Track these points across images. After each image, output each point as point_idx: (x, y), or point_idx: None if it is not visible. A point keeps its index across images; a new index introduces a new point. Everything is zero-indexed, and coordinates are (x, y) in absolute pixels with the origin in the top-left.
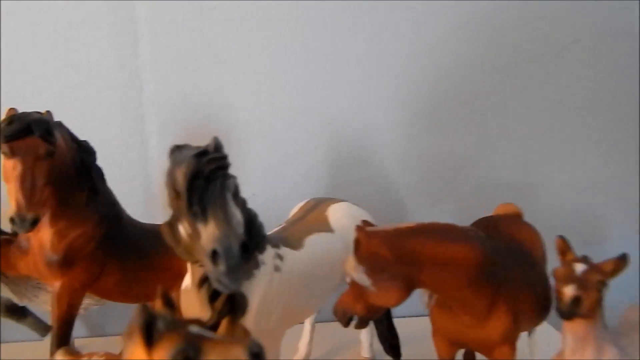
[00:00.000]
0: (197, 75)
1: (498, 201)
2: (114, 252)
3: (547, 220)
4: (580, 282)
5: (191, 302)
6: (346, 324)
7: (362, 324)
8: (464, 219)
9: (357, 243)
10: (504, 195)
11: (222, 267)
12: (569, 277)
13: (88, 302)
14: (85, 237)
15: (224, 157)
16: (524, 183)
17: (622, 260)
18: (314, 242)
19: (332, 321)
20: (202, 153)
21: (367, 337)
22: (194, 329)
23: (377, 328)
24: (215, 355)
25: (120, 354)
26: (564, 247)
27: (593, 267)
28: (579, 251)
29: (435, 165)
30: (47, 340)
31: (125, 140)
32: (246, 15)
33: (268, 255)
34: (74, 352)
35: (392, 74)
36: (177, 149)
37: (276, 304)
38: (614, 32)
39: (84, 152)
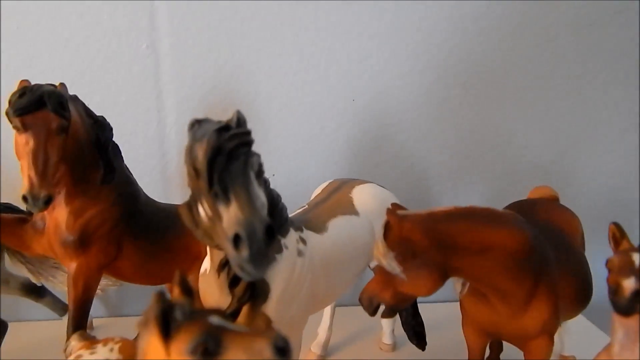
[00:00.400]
0: (217, 50)
1: (528, 183)
2: (131, 232)
3: (579, 202)
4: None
5: (210, 287)
6: (372, 313)
7: (389, 314)
8: (493, 201)
9: (388, 227)
10: (534, 177)
11: (245, 252)
12: (628, 269)
13: (105, 283)
14: (102, 216)
15: (247, 133)
16: (556, 164)
17: None
18: (338, 225)
19: (352, 305)
20: (224, 128)
21: (389, 323)
22: (215, 319)
23: (400, 314)
24: (237, 348)
25: (136, 339)
26: (619, 235)
27: None
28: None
29: (462, 145)
30: (65, 320)
31: (142, 116)
32: None
33: (291, 239)
34: (89, 337)
35: (418, 50)
36: (197, 124)
37: (299, 290)
38: None
39: (99, 128)
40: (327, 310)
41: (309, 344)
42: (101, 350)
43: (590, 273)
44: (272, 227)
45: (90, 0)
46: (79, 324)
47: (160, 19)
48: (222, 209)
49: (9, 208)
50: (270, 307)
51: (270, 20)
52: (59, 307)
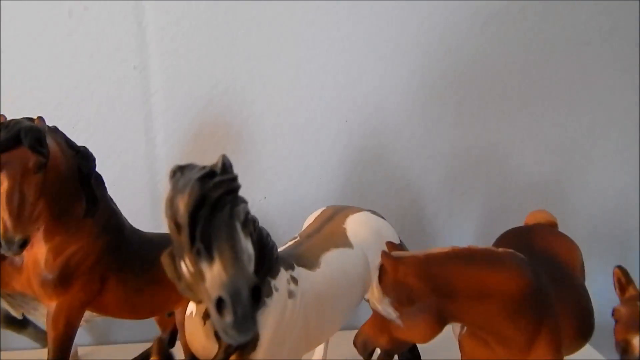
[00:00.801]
0: (209, 69)
1: (524, 201)
2: (116, 266)
3: (576, 220)
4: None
5: (197, 331)
6: (367, 357)
7: (385, 358)
8: (490, 221)
9: (383, 271)
10: (531, 195)
11: (229, 318)
12: (638, 323)
13: (90, 314)
14: (83, 252)
15: (233, 179)
16: (553, 182)
17: None
18: (331, 259)
19: (345, 329)
20: (208, 175)
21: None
22: None
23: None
24: None
25: None
26: (625, 281)
27: None
28: (612, 255)
29: (457, 163)
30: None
31: (131, 136)
32: (259, 7)
33: (281, 280)
34: None
35: (412, 68)
36: (179, 171)
37: (290, 333)
38: None
39: (81, 159)
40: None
41: None
42: None
43: (591, 304)
44: (258, 287)
45: (78, 19)
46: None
47: (150, 38)
48: (205, 267)
49: None
50: (260, 354)
51: (263, 39)
52: (41, 338)
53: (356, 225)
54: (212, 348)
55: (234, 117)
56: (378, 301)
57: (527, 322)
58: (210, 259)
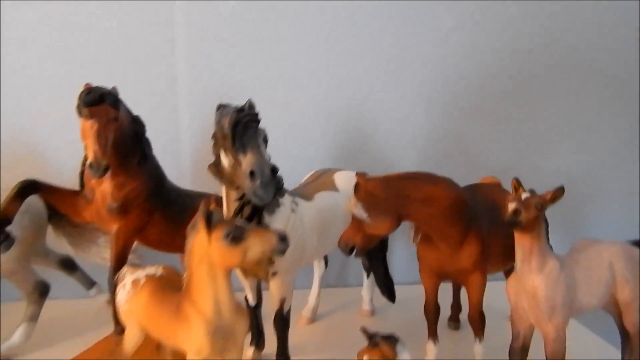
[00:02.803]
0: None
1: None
2: (159, 206)
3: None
4: (522, 202)
5: None
6: (348, 253)
7: (360, 253)
8: None
9: (357, 185)
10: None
11: (257, 182)
12: (514, 198)
13: (136, 244)
14: (138, 190)
15: (256, 114)
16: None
17: (559, 190)
18: (323, 196)
19: (335, 287)
20: (240, 109)
21: (367, 292)
22: (239, 222)
23: (375, 274)
24: (254, 237)
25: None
26: (517, 185)
27: (535, 195)
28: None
29: (430, 152)
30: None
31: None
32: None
33: (286, 199)
34: (137, 266)
35: (392, 68)
36: (222, 107)
37: (292, 237)
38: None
39: (137, 124)
40: (316, 280)
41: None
42: (148, 268)
43: None
44: (275, 167)
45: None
46: (117, 271)
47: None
48: (241, 157)
49: None
50: None
51: (268, 40)
52: (87, 282)
53: (342, 177)
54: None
55: None
56: (354, 207)
57: (457, 223)
58: (245, 153)
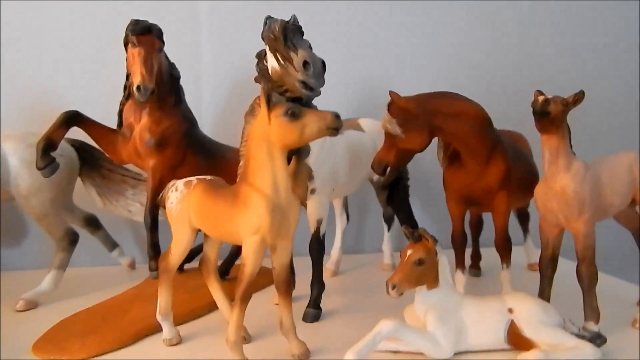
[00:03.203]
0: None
1: None
2: (192, 147)
3: None
4: (549, 97)
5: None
6: (382, 172)
7: (393, 172)
8: None
9: (391, 102)
10: None
11: (311, 71)
12: (541, 94)
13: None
14: (174, 128)
15: (301, 26)
16: None
17: (580, 94)
18: (351, 133)
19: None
20: (288, 20)
21: (388, 247)
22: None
23: (398, 215)
24: (311, 113)
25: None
26: (540, 93)
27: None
28: None
29: None
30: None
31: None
32: None
33: None
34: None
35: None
36: (270, 17)
37: (327, 158)
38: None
39: (173, 69)
40: (338, 235)
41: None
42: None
43: (537, 174)
44: (324, 61)
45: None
46: (154, 207)
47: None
48: (292, 54)
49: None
50: (311, 161)
51: None
52: (110, 243)
53: (366, 122)
54: None
55: None
56: (388, 122)
57: (486, 138)
58: (296, 50)
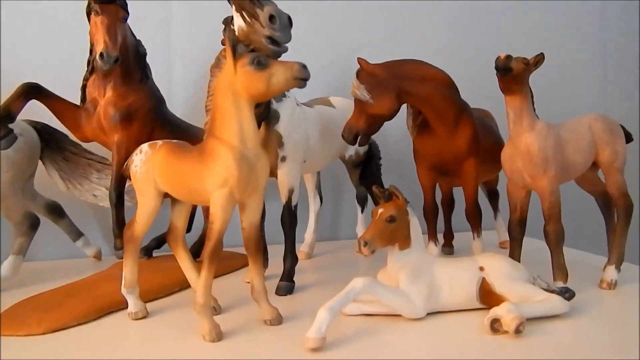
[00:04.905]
0: None
1: None
2: (158, 124)
3: None
4: (511, 55)
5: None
6: (352, 141)
7: (364, 139)
8: None
9: (359, 69)
10: None
11: (277, 24)
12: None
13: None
14: (140, 102)
15: None
16: None
17: (540, 55)
18: (322, 108)
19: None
20: None
21: (362, 228)
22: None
23: (371, 194)
24: (278, 63)
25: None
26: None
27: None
28: None
29: None
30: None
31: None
32: None
33: (291, 95)
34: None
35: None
36: None
37: (298, 124)
38: None
39: (140, 45)
40: (312, 217)
41: None
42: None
43: (501, 143)
44: (289, 16)
45: None
46: (119, 183)
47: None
48: (258, 11)
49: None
50: (281, 128)
51: None
52: (74, 232)
53: (337, 100)
54: None
55: None
56: (357, 88)
57: (453, 101)
58: (262, 6)
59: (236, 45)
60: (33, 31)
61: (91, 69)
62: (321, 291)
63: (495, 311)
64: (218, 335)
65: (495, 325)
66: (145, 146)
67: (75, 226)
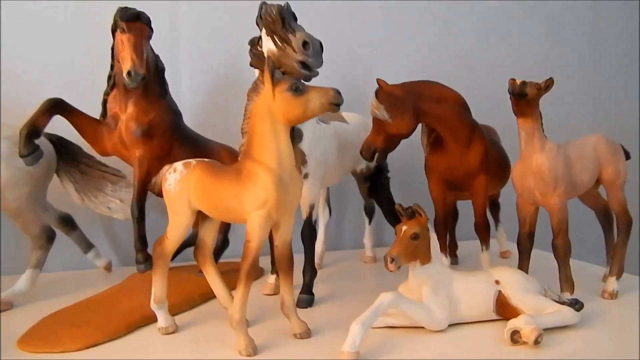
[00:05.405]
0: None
1: None
2: (178, 139)
3: None
4: (525, 81)
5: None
6: (370, 158)
7: (381, 157)
8: None
9: (378, 89)
10: None
11: (310, 50)
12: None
13: None
14: (160, 118)
15: (294, 12)
16: None
17: (550, 80)
18: (337, 124)
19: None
20: (282, 5)
21: (369, 239)
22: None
23: (381, 206)
24: (314, 89)
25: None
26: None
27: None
28: None
29: None
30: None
31: None
32: None
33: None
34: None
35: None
36: (264, 3)
37: (318, 143)
38: None
39: (158, 60)
40: (321, 229)
41: None
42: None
43: (508, 160)
44: (321, 42)
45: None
46: (141, 198)
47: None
48: (291, 36)
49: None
50: (304, 146)
51: None
52: (85, 243)
53: (350, 115)
54: None
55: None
56: (376, 108)
57: (466, 121)
58: (294, 32)
59: (275, 71)
60: (33, 31)
61: (112, 84)
62: (340, 304)
63: (514, 323)
64: (254, 350)
65: (514, 337)
66: (179, 165)
67: (87, 238)
